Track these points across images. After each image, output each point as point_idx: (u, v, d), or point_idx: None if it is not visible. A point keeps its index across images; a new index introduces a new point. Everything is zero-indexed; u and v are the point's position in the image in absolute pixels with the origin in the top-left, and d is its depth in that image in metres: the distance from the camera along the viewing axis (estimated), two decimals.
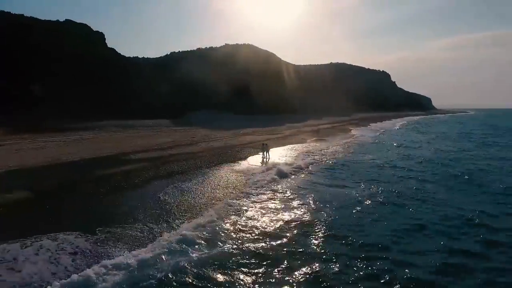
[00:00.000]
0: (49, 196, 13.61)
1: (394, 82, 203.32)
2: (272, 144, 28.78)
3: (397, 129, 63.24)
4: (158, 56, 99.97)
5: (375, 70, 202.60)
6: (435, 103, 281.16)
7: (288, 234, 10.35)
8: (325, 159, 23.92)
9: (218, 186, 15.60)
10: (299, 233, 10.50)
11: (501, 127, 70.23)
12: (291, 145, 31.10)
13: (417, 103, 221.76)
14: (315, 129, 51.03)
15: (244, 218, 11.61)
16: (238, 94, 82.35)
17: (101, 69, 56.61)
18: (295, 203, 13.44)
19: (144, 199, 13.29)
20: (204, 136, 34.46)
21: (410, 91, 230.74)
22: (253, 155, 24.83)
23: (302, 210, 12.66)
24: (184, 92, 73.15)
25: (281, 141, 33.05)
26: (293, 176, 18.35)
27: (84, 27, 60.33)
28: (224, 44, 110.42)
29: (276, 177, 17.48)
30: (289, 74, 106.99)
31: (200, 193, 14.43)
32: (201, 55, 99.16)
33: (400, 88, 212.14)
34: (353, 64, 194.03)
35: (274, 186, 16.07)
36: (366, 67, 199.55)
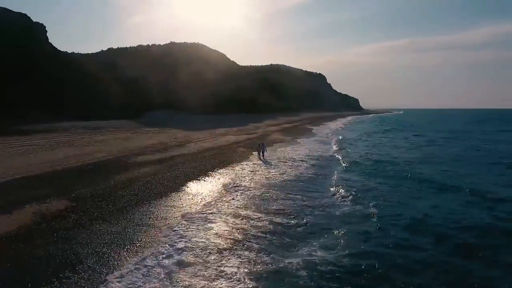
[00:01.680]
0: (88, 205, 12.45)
1: (330, 84, 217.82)
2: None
3: (353, 125, 68.61)
4: (95, 52, 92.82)
5: (312, 72, 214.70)
6: (361, 104, 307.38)
7: None
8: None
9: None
10: None
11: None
12: (278, 144, 32.13)
13: (348, 104, 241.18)
14: (279, 129, 52.88)
15: None
16: (191, 93, 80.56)
17: (45, 65, 50.72)
18: None
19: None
20: (185, 137, 33.47)
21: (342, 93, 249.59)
22: (251, 153, 25.33)
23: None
24: (136, 91, 69.19)
25: (265, 141, 33.79)
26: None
27: (23, 18, 53.34)
28: (169, 41, 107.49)
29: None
30: (240, 75, 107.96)
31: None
32: (146, 52, 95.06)
33: (334, 90, 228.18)
34: (291, 66, 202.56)
35: None
36: (304, 69, 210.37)
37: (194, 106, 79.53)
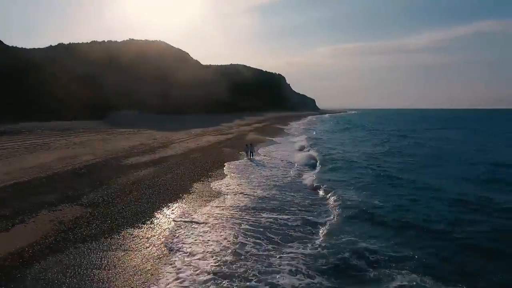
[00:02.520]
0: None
1: (289, 84, 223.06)
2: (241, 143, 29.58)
3: (317, 125, 71.08)
4: (43, 47, 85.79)
5: (272, 72, 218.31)
6: (317, 104, 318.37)
7: None
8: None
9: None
10: None
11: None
12: (259, 144, 32.54)
13: (306, 104, 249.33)
14: (252, 129, 53.38)
15: None
16: (152, 93, 77.95)
17: None
18: None
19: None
20: (164, 138, 32.55)
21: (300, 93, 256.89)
22: (238, 153, 25.51)
23: None
24: (95, 90, 65.30)
25: (243, 140, 34.01)
26: None
27: None
28: (128, 38, 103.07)
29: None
30: (203, 75, 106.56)
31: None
32: (102, 49, 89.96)
33: (293, 90, 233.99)
34: (251, 66, 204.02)
35: None
36: (264, 70, 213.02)
37: (156, 106, 77.02)
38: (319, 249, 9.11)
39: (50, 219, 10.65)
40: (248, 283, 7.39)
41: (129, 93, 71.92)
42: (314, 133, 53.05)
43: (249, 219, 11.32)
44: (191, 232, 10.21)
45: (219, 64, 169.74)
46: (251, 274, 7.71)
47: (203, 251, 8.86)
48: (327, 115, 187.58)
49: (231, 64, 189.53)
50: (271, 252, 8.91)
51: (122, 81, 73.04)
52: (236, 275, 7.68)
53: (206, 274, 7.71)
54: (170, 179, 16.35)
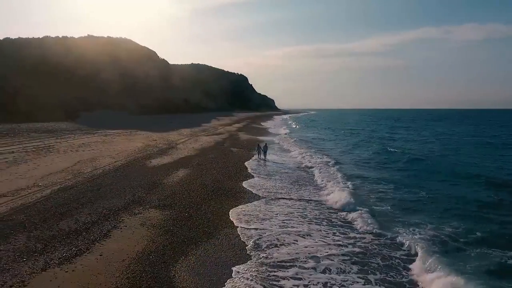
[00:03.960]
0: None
1: (251, 84, 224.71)
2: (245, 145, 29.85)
3: (290, 123, 72.84)
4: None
5: (235, 73, 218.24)
6: (276, 104, 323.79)
7: None
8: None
9: None
10: None
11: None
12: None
13: (268, 104, 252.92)
14: (237, 128, 53.44)
15: None
16: (122, 93, 74.38)
17: None
18: None
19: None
20: (162, 139, 31.54)
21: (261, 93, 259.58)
22: (247, 153, 25.80)
23: None
24: (56, 89, 60.63)
25: (237, 141, 34.21)
26: None
27: None
28: (87, 35, 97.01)
29: None
30: (171, 74, 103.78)
31: None
32: (58, 45, 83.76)
33: (255, 90, 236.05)
34: (212, 66, 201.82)
35: None
36: (226, 70, 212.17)
37: (125, 106, 73.55)
38: None
39: (140, 222, 10.27)
40: None
41: (96, 93, 67.71)
42: (296, 134, 54.50)
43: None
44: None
45: (179, 63, 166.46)
46: None
47: None
48: (287, 115, 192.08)
49: (192, 64, 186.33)
50: None
51: (88, 80, 68.67)
52: None
53: None
54: (214, 180, 16.29)
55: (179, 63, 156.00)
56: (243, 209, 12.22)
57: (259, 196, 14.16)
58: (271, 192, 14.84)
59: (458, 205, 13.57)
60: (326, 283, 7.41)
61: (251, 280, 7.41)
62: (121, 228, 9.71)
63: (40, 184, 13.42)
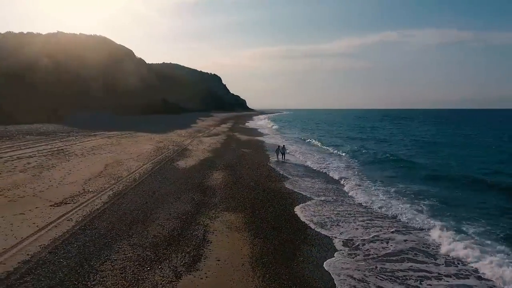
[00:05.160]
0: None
1: (225, 84, 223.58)
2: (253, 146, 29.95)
3: (273, 123, 73.52)
4: None
5: (208, 72, 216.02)
6: (248, 104, 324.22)
7: None
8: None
9: None
10: None
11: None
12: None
13: (241, 104, 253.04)
14: (227, 129, 53.20)
15: None
16: (107, 92, 71.41)
17: None
18: None
19: None
20: (166, 140, 30.67)
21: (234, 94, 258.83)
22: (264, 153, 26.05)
23: None
24: (40, 88, 57.15)
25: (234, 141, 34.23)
26: None
27: None
28: (56, 31, 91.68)
29: None
30: (147, 73, 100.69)
31: None
32: (24, 42, 78.54)
33: (229, 91, 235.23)
34: (185, 65, 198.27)
35: None
36: (199, 69, 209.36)
37: (104, 106, 70.51)
38: None
39: (225, 226, 10.19)
40: None
41: (76, 93, 64.19)
42: (287, 133, 55.25)
43: None
44: None
45: (150, 62, 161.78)
46: None
47: None
48: (264, 115, 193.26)
49: (163, 63, 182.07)
50: None
51: (67, 80, 64.98)
52: None
53: None
54: (255, 182, 16.40)
55: (149, 62, 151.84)
56: (306, 208, 12.45)
57: (308, 196, 14.41)
58: (314, 192, 15.15)
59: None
60: None
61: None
62: (212, 233, 9.59)
63: (90, 190, 12.77)
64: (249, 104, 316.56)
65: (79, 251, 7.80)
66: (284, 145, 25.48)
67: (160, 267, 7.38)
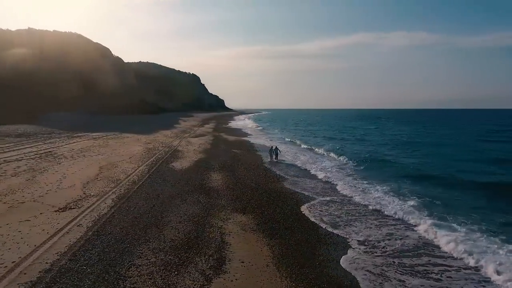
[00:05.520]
0: None
1: (204, 84, 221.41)
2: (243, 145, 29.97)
3: (255, 122, 73.75)
4: None
5: (186, 72, 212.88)
6: (226, 104, 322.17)
7: None
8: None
9: None
10: None
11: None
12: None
13: (220, 104, 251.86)
14: (211, 129, 52.86)
15: None
16: (84, 91, 68.87)
17: None
18: None
19: None
20: (154, 141, 30.07)
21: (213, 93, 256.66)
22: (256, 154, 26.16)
23: None
24: (14, 87, 54.34)
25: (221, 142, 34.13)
26: None
27: None
28: (27, 27, 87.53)
29: None
30: (125, 73, 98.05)
31: None
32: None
33: (208, 90, 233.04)
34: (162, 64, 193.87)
35: None
36: (177, 69, 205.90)
37: (83, 106, 68.14)
38: None
39: (239, 228, 10.20)
40: None
41: (52, 91, 61.41)
42: (271, 133, 55.59)
43: None
44: None
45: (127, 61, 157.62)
46: None
47: None
48: (244, 115, 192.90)
49: (140, 62, 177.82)
50: None
51: (41, 78, 62.12)
52: None
53: None
54: (255, 182, 16.48)
55: (126, 61, 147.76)
56: (312, 208, 12.67)
57: (311, 196, 14.65)
58: (315, 192, 15.43)
59: None
60: None
61: None
62: (229, 234, 9.58)
63: (91, 194, 12.36)
64: (228, 104, 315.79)
65: (100, 258, 7.57)
66: (277, 146, 25.67)
67: (188, 271, 7.31)
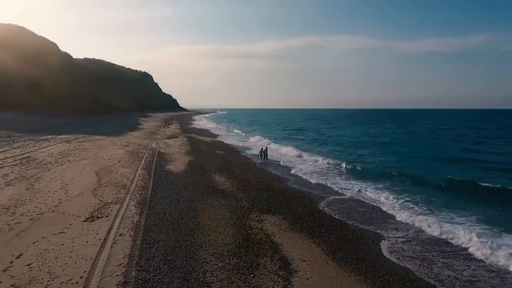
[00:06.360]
0: None
1: (157, 83, 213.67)
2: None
3: (218, 122, 73.41)
4: None
5: (137, 70, 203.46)
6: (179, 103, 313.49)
7: None
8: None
9: None
10: None
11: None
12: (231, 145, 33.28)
13: (174, 103, 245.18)
14: (180, 131, 51.59)
15: None
16: (32, 91, 62.63)
17: None
18: None
19: None
20: (131, 143, 28.62)
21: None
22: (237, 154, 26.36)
23: None
24: None
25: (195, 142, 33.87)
26: None
27: None
28: None
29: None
30: (75, 70, 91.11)
31: None
32: None
33: (161, 89, 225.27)
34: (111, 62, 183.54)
35: None
36: (127, 66, 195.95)
37: (32, 107, 62.11)
38: None
39: (277, 228, 10.44)
40: None
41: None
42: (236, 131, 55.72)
43: None
44: None
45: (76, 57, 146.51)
46: None
47: None
48: (201, 115, 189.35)
49: (85, 58, 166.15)
50: None
51: None
52: None
53: None
54: (262, 183, 16.79)
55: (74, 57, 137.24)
56: (331, 206, 13.33)
57: (322, 195, 15.32)
58: (324, 190, 16.17)
59: None
60: None
61: None
62: (274, 235, 9.81)
63: (108, 201, 11.66)
64: (181, 103, 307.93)
65: (169, 267, 7.35)
66: (266, 147, 26.02)
67: (262, 273, 7.43)
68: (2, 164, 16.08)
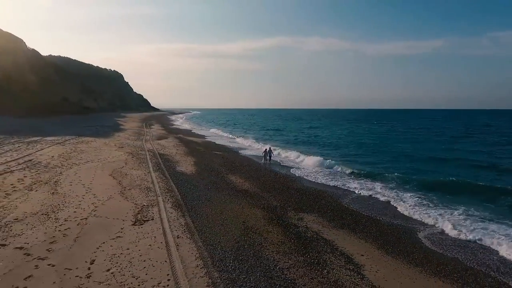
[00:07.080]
0: None
1: (128, 82, 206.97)
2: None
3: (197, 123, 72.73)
4: None
5: (106, 69, 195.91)
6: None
7: None
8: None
9: None
10: None
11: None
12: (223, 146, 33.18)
13: (146, 103, 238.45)
14: (166, 132, 50.60)
15: None
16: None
17: None
18: None
19: None
20: (123, 144, 27.81)
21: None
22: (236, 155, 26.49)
23: None
24: None
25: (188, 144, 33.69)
26: None
27: None
28: None
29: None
30: (43, 68, 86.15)
31: None
32: None
33: (132, 89, 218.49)
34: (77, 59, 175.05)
35: None
36: (95, 65, 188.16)
37: (2, 107, 58.17)
38: None
39: (318, 229, 10.78)
40: None
41: None
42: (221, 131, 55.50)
43: None
44: None
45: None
46: None
47: None
48: (175, 115, 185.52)
49: (50, 55, 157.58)
50: None
51: None
52: None
53: None
54: (280, 183, 17.08)
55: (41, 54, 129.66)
56: (356, 203, 13.90)
57: (340, 194, 15.88)
58: (341, 189, 16.76)
59: None
60: None
61: None
62: (322, 232, 10.15)
63: (143, 204, 11.42)
64: (152, 103, 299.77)
65: (246, 266, 7.47)
66: (270, 148, 26.18)
67: (333, 269, 7.75)
68: (8, 168, 15.18)
